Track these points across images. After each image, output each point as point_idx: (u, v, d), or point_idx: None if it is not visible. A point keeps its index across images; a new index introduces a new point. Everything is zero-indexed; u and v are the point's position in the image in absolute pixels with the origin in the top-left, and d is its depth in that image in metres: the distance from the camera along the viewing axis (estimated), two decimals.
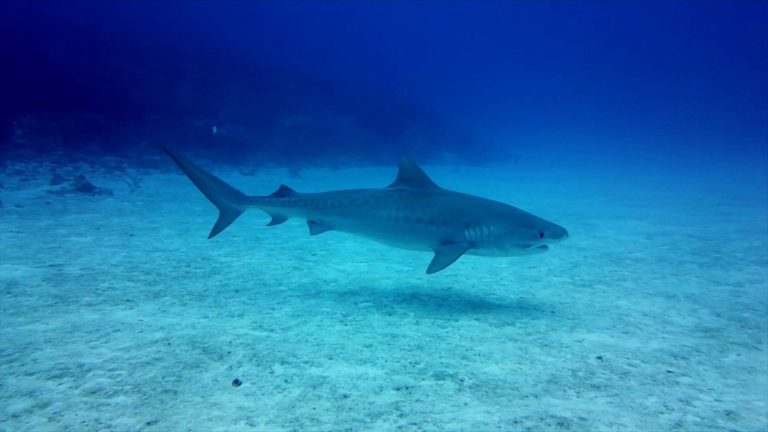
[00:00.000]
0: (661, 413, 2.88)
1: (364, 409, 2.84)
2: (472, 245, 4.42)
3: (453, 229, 4.44)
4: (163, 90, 21.73)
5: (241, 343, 3.79)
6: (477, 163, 28.53)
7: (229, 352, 3.62)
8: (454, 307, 4.81)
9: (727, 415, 2.87)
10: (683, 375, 3.40)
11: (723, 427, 2.73)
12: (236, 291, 5.23)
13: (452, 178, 21.55)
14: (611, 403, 3.00)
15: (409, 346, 3.81)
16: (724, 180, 21.52)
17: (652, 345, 3.94)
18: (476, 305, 4.87)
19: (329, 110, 25.66)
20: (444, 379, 3.24)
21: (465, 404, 2.92)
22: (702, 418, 2.82)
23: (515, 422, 2.73)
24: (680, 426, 2.74)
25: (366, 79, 31.81)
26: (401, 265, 6.52)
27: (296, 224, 9.30)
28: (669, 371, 3.46)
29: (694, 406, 2.96)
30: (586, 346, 3.88)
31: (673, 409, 2.92)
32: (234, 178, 17.61)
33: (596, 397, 3.07)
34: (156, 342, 3.79)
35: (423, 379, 3.23)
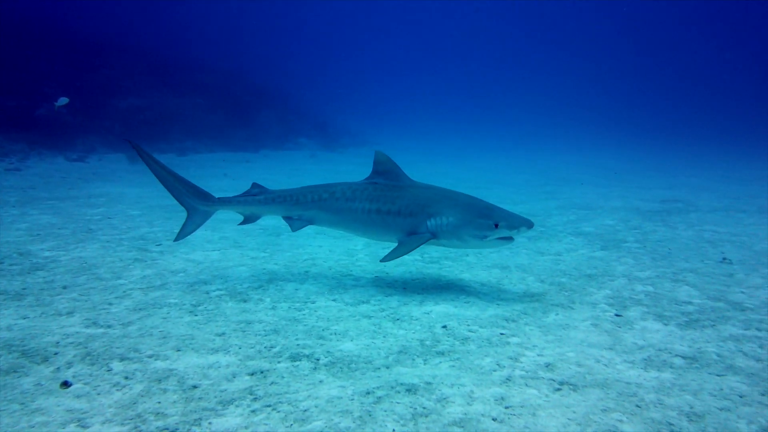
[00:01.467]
0: (494, 371, 3.22)
1: (216, 397, 2.73)
2: (434, 236, 4.47)
3: (418, 220, 4.49)
4: None
5: (72, 343, 3.39)
6: (334, 149, 28.76)
7: (56, 353, 3.22)
8: (312, 289, 4.83)
9: (547, 366, 3.31)
10: (513, 336, 3.83)
11: (542, 377, 3.14)
12: (64, 287, 4.65)
13: (308, 164, 21.48)
14: (453, 366, 3.27)
15: (264, 331, 3.74)
16: (548, 163, 24.44)
17: (489, 311, 4.37)
18: (333, 287, 4.94)
19: (171, 92, 23.72)
20: (300, 360, 3.25)
21: (320, 381, 2.97)
22: (527, 372, 3.21)
23: (367, 393, 2.84)
24: (509, 380, 3.09)
25: (212, 61, 29.98)
26: (257, 251, 6.35)
27: (137, 213, 8.51)
28: (502, 333, 3.87)
29: (521, 362, 3.36)
30: (433, 317, 4.17)
31: (504, 366, 3.29)
32: (59, 165, 15.54)
33: (441, 362, 3.32)
34: None
35: (279, 362, 3.21)
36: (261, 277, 5.20)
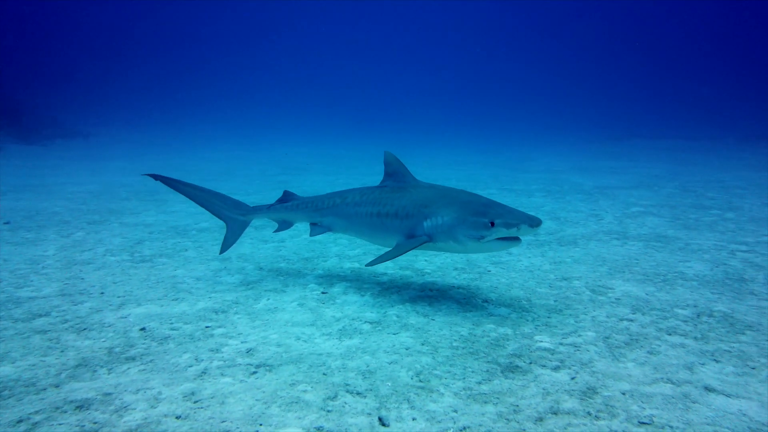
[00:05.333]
0: (191, 366, 3.08)
1: None
2: (431, 239, 4.02)
3: (414, 222, 4.12)
4: None
5: None
6: (35, 141, 24.05)
7: None
8: None
9: (248, 352, 3.32)
10: (219, 327, 3.74)
11: (240, 363, 3.13)
12: None
13: None
14: (144, 370, 3.01)
15: None
16: (280, 155, 25.13)
17: (199, 305, 4.19)
18: (0, 303, 4.06)
19: None
20: None
21: None
22: (225, 361, 3.17)
23: (19, 421, 2.39)
24: (205, 373, 3.00)
25: None
26: None
27: None
28: (207, 326, 3.74)
29: (222, 352, 3.30)
30: (131, 321, 3.79)
31: (203, 360, 3.17)
32: None
33: (129, 368, 3.03)
34: None
35: None
36: None
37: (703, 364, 3.05)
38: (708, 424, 2.41)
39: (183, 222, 7.85)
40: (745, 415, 2.48)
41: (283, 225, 5.10)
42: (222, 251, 5.14)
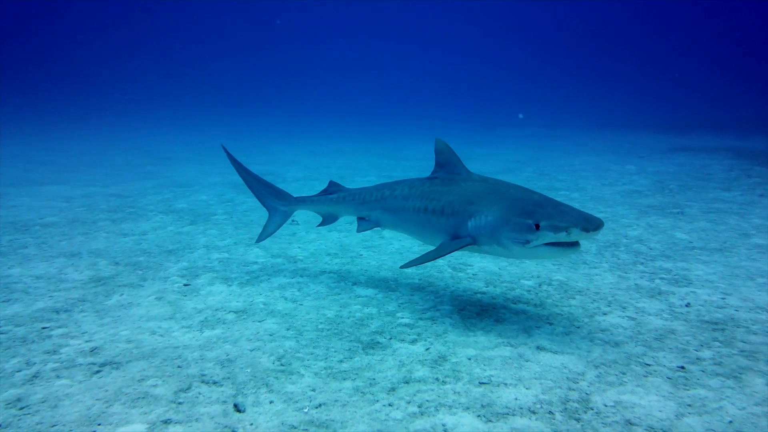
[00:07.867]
0: (19, 371, 2.77)
1: None
2: (474, 241, 3.47)
3: (459, 220, 3.60)
4: None
5: None
6: None
7: None
8: None
9: (92, 351, 3.06)
10: (59, 327, 3.40)
11: (81, 364, 2.88)
12: None
13: None
14: None
15: None
16: (151, 143, 23.38)
17: (36, 306, 3.78)
18: None
19: None
20: None
21: None
22: (63, 363, 2.89)
23: None
24: (36, 377, 2.71)
25: None
26: None
27: None
28: (44, 327, 3.39)
29: (60, 354, 3.01)
30: None
31: (35, 363, 2.87)
32: None
33: None
34: None
35: None
36: None
37: (538, 327, 3.39)
38: (535, 378, 2.69)
39: (24, 217, 7.00)
40: (566, 367, 2.81)
41: (329, 218, 4.72)
42: (259, 240, 4.94)
